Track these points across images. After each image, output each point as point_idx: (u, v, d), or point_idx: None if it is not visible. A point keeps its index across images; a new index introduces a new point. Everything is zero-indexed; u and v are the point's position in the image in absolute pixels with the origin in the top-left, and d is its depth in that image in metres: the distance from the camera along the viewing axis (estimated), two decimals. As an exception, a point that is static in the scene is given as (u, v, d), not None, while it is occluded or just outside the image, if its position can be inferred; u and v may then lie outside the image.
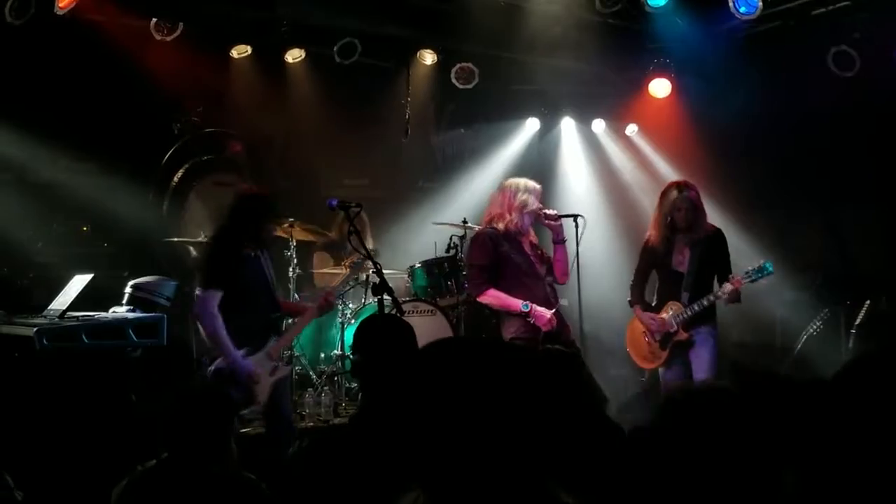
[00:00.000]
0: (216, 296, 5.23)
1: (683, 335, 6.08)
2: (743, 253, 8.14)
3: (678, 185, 6.14)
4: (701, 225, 6.10)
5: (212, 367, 5.29)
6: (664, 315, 6.13)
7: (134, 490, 3.26)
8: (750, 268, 6.05)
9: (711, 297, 6.01)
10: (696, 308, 6.04)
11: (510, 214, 6.01)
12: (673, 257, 6.15)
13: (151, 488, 3.24)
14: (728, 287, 5.94)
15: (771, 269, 6.03)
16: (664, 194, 6.16)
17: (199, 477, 3.24)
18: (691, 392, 2.16)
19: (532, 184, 6.14)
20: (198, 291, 5.34)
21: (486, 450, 1.68)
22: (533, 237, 6.22)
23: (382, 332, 3.68)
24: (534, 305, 5.88)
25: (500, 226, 6.02)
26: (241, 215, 5.42)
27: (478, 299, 6.14)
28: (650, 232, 6.25)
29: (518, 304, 5.90)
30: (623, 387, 7.84)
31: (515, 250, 6.02)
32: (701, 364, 6.00)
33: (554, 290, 6.19)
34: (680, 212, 6.03)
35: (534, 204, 6.04)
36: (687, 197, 6.03)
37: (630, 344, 6.44)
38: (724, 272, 6.11)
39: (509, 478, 1.68)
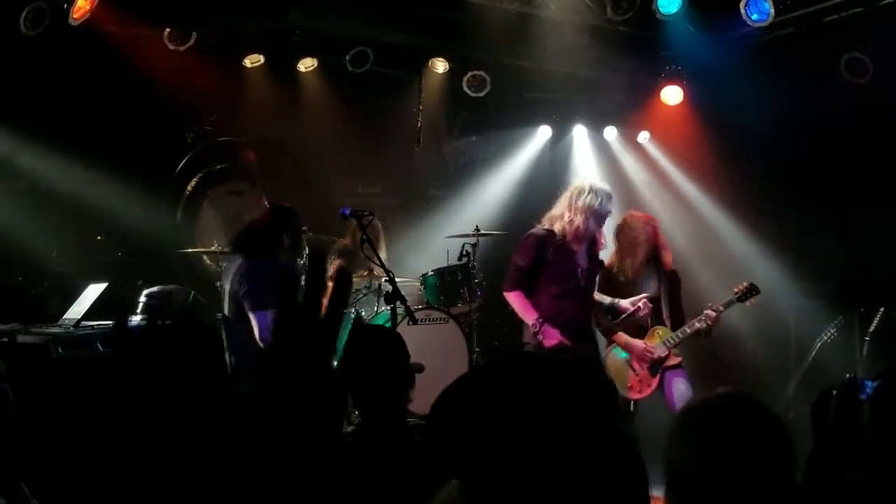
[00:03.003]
0: (272, 314, 4.87)
1: (675, 359, 6.08)
2: (755, 260, 8.15)
3: (639, 217, 6.28)
4: (665, 257, 6.21)
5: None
6: (656, 340, 6.09)
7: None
8: (737, 288, 6.10)
9: (700, 322, 5.99)
10: (688, 331, 6.03)
11: (570, 215, 5.73)
12: (639, 286, 6.13)
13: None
14: (712, 314, 5.98)
15: (757, 289, 6.09)
16: (628, 225, 6.22)
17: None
18: (713, 402, 2.18)
19: (602, 187, 5.82)
20: (256, 315, 4.98)
21: (514, 449, 1.84)
22: (600, 244, 5.96)
23: (369, 346, 3.63)
24: (546, 324, 5.66)
25: (557, 226, 5.76)
26: (269, 228, 5.28)
27: (504, 294, 5.91)
28: (616, 262, 6.22)
29: (533, 317, 5.68)
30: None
31: (563, 258, 5.76)
32: (680, 393, 5.94)
33: (590, 308, 6.02)
34: (649, 242, 6.15)
35: (603, 208, 5.76)
36: (652, 226, 6.21)
37: (612, 376, 6.17)
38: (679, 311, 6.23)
39: (538, 471, 1.83)
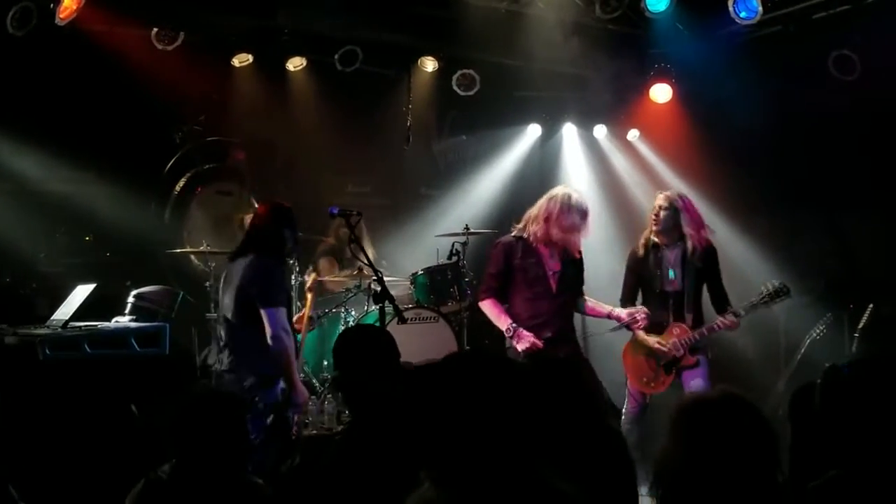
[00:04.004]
0: (284, 312, 5.10)
1: (690, 360, 6.00)
2: (746, 258, 8.16)
3: (659, 198, 6.18)
4: (691, 235, 6.04)
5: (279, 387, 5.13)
6: (672, 339, 6.02)
7: (146, 496, 3.26)
8: (764, 289, 5.93)
9: (719, 325, 5.94)
10: (706, 332, 5.98)
11: (543, 221, 5.83)
12: (662, 274, 6.09)
13: (163, 494, 3.24)
14: (733, 318, 5.91)
15: (788, 291, 5.91)
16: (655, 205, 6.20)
17: (210, 481, 3.24)
18: (705, 401, 2.18)
19: (583, 203, 5.90)
20: (268, 312, 5.02)
21: (486, 443, 1.89)
22: (575, 249, 5.99)
23: (359, 345, 3.62)
24: (519, 329, 5.75)
25: (531, 231, 5.85)
26: (274, 227, 5.29)
27: (478, 303, 6.08)
28: (638, 246, 6.22)
29: (506, 323, 5.80)
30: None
31: (532, 263, 5.86)
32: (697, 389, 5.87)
33: (567, 310, 6.06)
34: (653, 213, 6.09)
35: (577, 224, 5.83)
36: (665, 196, 6.11)
37: (630, 368, 6.21)
38: (718, 290, 6.11)
39: (507, 465, 1.88)
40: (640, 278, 6.19)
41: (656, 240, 6.14)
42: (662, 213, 6.06)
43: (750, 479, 2.01)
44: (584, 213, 5.87)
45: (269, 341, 4.99)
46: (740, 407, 2.11)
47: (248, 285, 5.08)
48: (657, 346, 6.02)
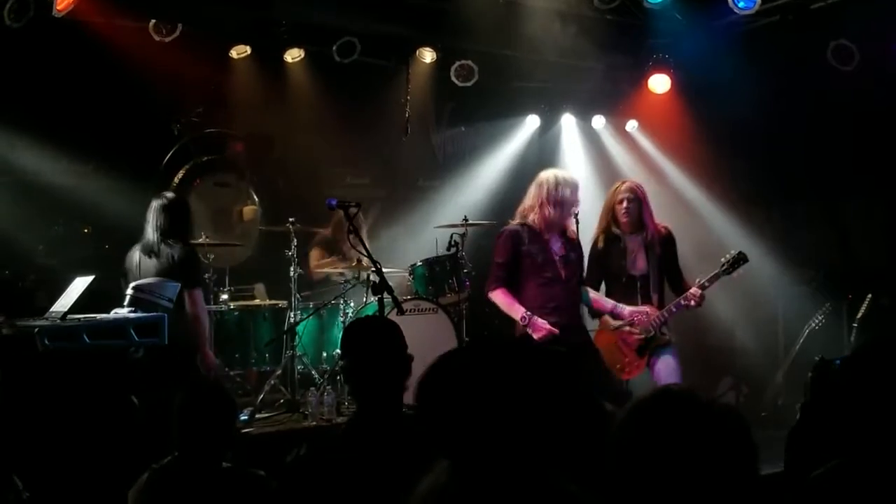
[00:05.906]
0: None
1: (663, 338, 6.04)
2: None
3: (617, 185, 6.24)
4: (649, 223, 6.12)
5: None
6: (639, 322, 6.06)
7: (151, 489, 3.28)
8: (724, 259, 6.04)
9: (685, 301, 5.98)
10: (674, 310, 6.03)
11: (539, 206, 5.85)
12: (628, 261, 6.13)
13: (167, 486, 3.27)
14: (697, 292, 5.95)
15: (745, 257, 6.03)
16: (609, 193, 6.27)
17: (212, 473, 3.27)
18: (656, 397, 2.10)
19: (570, 177, 5.96)
20: (193, 291, 5.88)
21: (509, 433, 1.92)
22: (571, 232, 6.04)
23: (368, 334, 3.63)
24: (534, 317, 5.73)
25: (532, 219, 5.86)
26: (187, 217, 6.15)
27: (488, 296, 6.00)
28: (596, 234, 6.27)
29: (520, 312, 5.75)
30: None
31: (539, 249, 5.86)
32: (668, 371, 5.95)
33: (576, 297, 6.07)
34: (622, 205, 6.09)
35: (571, 196, 5.86)
36: (630, 188, 6.14)
37: (604, 356, 6.14)
38: (676, 274, 6.21)
39: (524, 461, 1.89)
40: (605, 268, 6.23)
41: (617, 230, 6.18)
42: (630, 205, 6.13)
43: (722, 473, 1.82)
44: (574, 187, 5.89)
45: (197, 317, 5.87)
46: (677, 406, 1.90)
47: (174, 266, 5.87)
48: (627, 330, 6.07)
